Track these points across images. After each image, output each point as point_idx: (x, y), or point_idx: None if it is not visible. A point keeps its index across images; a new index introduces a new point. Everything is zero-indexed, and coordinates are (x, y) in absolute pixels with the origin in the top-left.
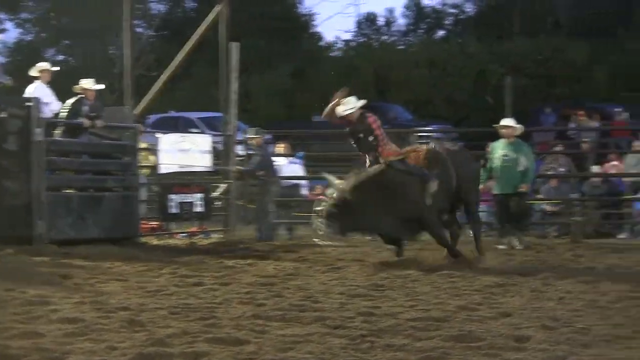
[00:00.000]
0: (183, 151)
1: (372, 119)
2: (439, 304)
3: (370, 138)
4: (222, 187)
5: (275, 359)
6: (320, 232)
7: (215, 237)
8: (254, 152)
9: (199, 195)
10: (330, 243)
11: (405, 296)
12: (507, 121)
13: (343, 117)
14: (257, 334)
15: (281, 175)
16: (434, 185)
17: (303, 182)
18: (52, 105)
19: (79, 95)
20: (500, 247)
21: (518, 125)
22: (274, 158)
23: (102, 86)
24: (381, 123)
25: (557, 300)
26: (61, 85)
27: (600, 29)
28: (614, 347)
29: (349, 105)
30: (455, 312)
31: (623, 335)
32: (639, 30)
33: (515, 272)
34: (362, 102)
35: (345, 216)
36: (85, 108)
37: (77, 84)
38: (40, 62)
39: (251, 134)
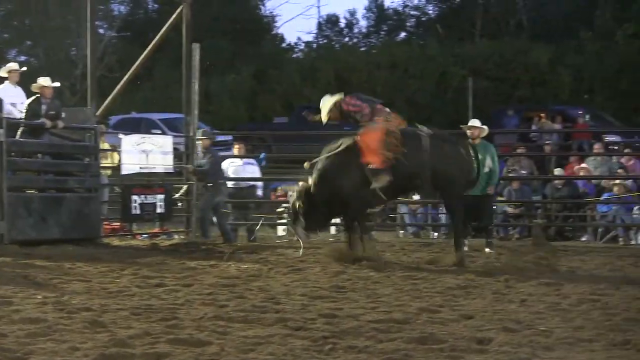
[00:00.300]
0: (145, 152)
1: (345, 106)
2: (401, 305)
3: (359, 119)
4: (184, 188)
5: (237, 359)
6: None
7: (177, 238)
8: (203, 154)
9: (160, 196)
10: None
11: (367, 298)
12: (474, 122)
13: (330, 120)
14: (219, 335)
15: (237, 176)
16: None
17: (259, 183)
18: (20, 105)
19: (36, 95)
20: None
21: (484, 127)
22: (230, 160)
23: (58, 84)
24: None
25: (519, 303)
26: (23, 86)
27: (563, 31)
28: (576, 349)
29: (324, 109)
30: (416, 314)
31: (585, 338)
32: (601, 33)
33: (477, 274)
34: (335, 98)
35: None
36: (43, 107)
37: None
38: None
39: (200, 136)
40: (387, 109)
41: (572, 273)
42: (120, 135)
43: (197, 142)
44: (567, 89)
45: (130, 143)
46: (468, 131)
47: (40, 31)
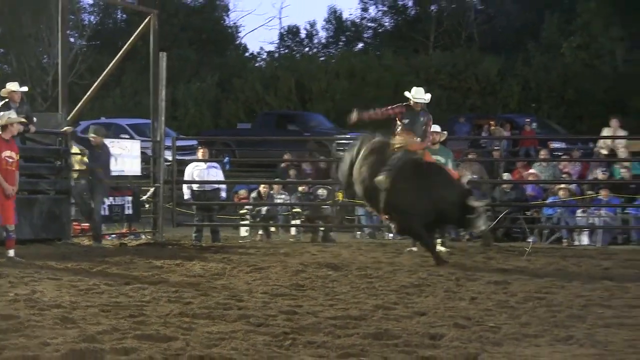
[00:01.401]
0: (114, 156)
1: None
2: (357, 303)
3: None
4: (151, 190)
5: (201, 354)
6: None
7: (144, 238)
8: (94, 150)
9: (128, 198)
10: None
11: (325, 296)
12: (434, 127)
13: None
14: (184, 331)
15: (201, 179)
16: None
17: (223, 186)
18: None
19: (5, 100)
20: (414, 249)
21: (444, 132)
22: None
23: (26, 88)
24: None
25: (469, 300)
26: None
27: (511, 43)
28: (523, 344)
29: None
30: (372, 311)
31: (531, 334)
32: (547, 45)
33: (430, 273)
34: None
35: None
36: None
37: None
38: None
39: (91, 133)
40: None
41: (519, 272)
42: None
43: (91, 139)
44: (515, 98)
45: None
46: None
47: (13, 39)
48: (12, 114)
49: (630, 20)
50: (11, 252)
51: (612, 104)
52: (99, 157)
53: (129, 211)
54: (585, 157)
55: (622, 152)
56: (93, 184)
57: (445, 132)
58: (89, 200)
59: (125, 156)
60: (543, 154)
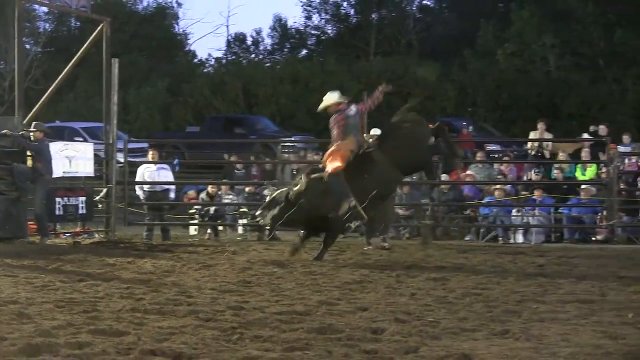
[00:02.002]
0: (68, 158)
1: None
2: (302, 299)
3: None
4: (104, 191)
5: (152, 348)
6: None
7: (97, 236)
8: (33, 145)
9: (82, 198)
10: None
11: (271, 292)
12: (375, 131)
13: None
14: (136, 326)
15: (152, 180)
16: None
17: (172, 187)
18: None
19: None
20: (368, 248)
21: None
22: (146, 165)
23: None
24: (341, 118)
25: (409, 296)
26: None
27: (449, 50)
28: (461, 338)
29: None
30: (316, 307)
31: (468, 328)
32: (483, 52)
33: (372, 270)
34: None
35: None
36: None
37: None
38: None
39: (32, 128)
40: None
41: (457, 269)
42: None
43: (30, 134)
44: (452, 102)
45: (54, 150)
46: (371, 140)
47: None
48: None
49: (561, 28)
50: None
51: (544, 108)
52: (40, 152)
53: (82, 211)
54: (520, 159)
55: (547, 153)
56: (35, 179)
57: None
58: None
59: (79, 158)
60: (479, 155)
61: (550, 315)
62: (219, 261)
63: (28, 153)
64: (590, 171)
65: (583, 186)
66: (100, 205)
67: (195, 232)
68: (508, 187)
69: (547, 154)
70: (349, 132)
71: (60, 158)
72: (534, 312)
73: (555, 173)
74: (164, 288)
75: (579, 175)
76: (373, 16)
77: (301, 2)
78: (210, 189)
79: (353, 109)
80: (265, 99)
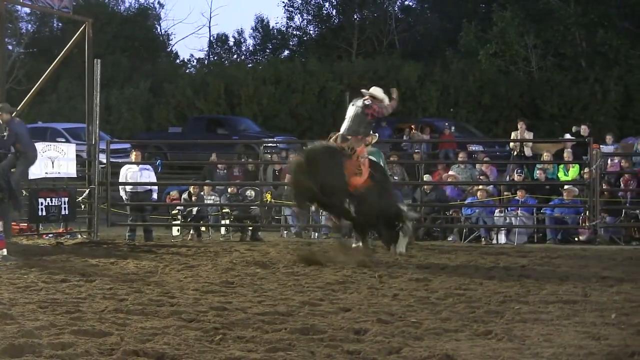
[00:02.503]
0: (50, 159)
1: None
2: (285, 299)
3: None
4: (86, 191)
5: (135, 349)
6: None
7: (80, 237)
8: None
9: (65, 199)
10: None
11: (254, 292)
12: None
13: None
14: (118, 327)
15: (134, 181)
16: None
17: (155, 187)
18: None
19: None
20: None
21: (376, 134)
22: (128, 166)
23: None
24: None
25: (391, 297)
26: None
27: (430, 50)
28: (443, 339)
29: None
30: (299, 307)
31: (451, 329)
32: (465, 52)
33: (354, 270)
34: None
35: None
36: None
37: None
38: None
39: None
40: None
41: (440, 270)
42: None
43: None
44: (434, 103)
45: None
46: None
47: None
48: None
49: (543, 28)
50: (4, 252)
51: (526, 109)
52: (13, 132)
53: (65, 212)
54: (503, 160)
55: (528, 152)
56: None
57: (376, 134)
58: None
59: (61, 159)
60: (462, 156)
61: (533, 316)
62: (201, 262)
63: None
64: (573, 172)
65: (565, 187)
66: (83, 206)
67: (178, 233)
68: (490, 187)
69: (528, 152)
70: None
71: (42, 159)
72: (516, 313)
73: (538, 174)
74: (147, 289)
75: (561, 175)
76: (355, 17)
77: (283, 2)
78: (192, 189)
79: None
80: (248, 100)
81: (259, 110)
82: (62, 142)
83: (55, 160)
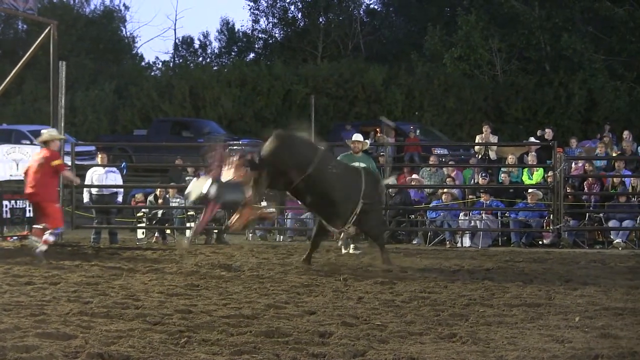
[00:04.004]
0: (15, 161)
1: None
2: (250, 302)
3: None
4: None
5: (100, 352)
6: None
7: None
8: None
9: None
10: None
11: (219, 295)
12: (357, 137)
13: None
14: (83, 329)
15: (100, 184)
16: None
17: (120, 190)
18: None
19: None
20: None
21: (367, 141)
22: (94, 168)
23: None
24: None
25: (356, 300)
26: None
27: (395, 54)
28: (408, 342)
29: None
30: (264, 310)
31: (416, 332)
32: (429, 56)
33: (319, 273)
34: None
35: None
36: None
37: None
38: None
39: None
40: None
41: (404, 273)
42: None
43: None
44: (399, 106)
45: (1, 152)
46: (351, 145)
47: None
48: (54, 131)
49: (507, 32)
50: (43, 247)
51: (491, 112)
52: None
53: (29, 214)
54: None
55: (493, 156)
56: None
57: (367, 141)
58: None
59: (27, 161)
60: (432, 160)
61: (497, 319)
62: (166, 264)
63: None
64: (537, 175)
65: (530, 190)
66: None
67: (143, 236)
68: (456, 190)
69: (492, 155)
70: None
71: (7, 161)
72: (480, 316)
73: (503, 177)
74: (112, 291)
75: (525, 179)
76: (320, 20)
77: (249, 5)
78: (158, 192)
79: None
80: (213, 102)
81: (223, 113)
82: (26, 144)
83: (19, 162)
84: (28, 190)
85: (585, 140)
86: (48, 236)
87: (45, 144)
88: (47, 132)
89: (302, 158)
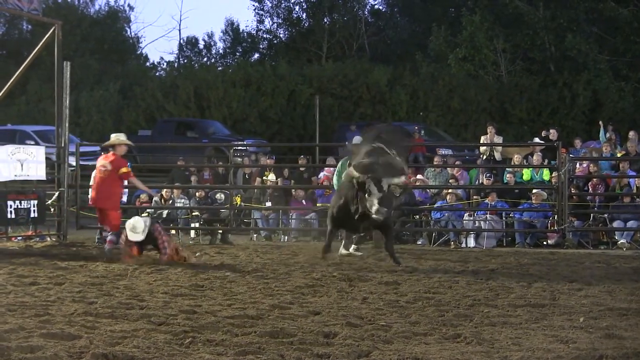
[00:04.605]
0: (20, 161)
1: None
2: (254, 303)
3: None
4: (56, 194)
5: (104, 352)
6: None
7: (49, 240)
8: None
9: (34, 201)
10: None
11: (224, 296)
12: (358, 140)
13: None
14: (88, 330)
15: None
16: None
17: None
18: None
19: None
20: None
21: None
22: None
23: None
24: None
25: (361, 300)
26: None
27: (400, 54)
28: (412, 342)
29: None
30: (269, 310)
31: (420, 332)
32: (434, 56)
33: (324, 274)
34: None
35: None
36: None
37: None
38: None
39: None
40: None
41: (409, 273)
42: None
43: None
44: (404, 106)
45: (5, 153)
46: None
47: None
48: (122, 136)
49: (512, 33)
50: (107, 247)
51: (495, 113)
52: None
53: (34, 214)
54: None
55: (498, 157)
56: None
57: None
58: None
59: (31, 161)
60: (437, 160)
61: (502, 320)
62: (171, 265)
63: None
64: (543, 176)
65: (534, 191)
66: (52, 209)
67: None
68: (460, 191)
69: (497, 156)
70: None
71: (11, 161)
72: (485, 316)
73: (508, 177)
74: (116, 292)
75: (527, 177)
76: (325, 20)
77: (253, 6)
78: (164, 192)
79: None
80: (217, 103)
81: (228, 113)
82: (31, 144)
83: (24, 162)
84: (93, 196)
85: (589, 140)
86: (111, 236)
87: (113, 148)
88: (115, 136)
89: None
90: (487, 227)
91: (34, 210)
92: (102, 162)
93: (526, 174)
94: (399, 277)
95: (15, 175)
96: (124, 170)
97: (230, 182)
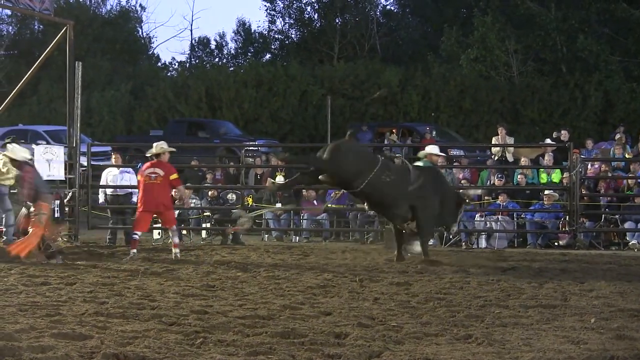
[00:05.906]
0: (48, 161)
1: None
2: (266, 303)
3: None
4: (69, 194)
5: (115, 352)
6: None
7: (60, 240)
8: None
9: (56, 201)
10: None
11: (235, 296)
12: (433, 149)
13: None
14: (99, 330)
15: (115, 184)
16: None
17: (136, 190)
18: None
19: None
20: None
21: (442, 154)
22: (109, 169)
23: None
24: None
25: (372, 301)
26: None
27: (412, 55)
28: (424, 343)
29: None
30: (280, 311)
31: (431, 333)
32: (446, 57)
33: (335, 274)
34: None
35: None
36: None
37: None
38: None
39: None
40: None
41: (420, 274)
42: (33, 146)
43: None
44: (415, 107)
45: (39, 152)
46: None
47: None
48: (164, 144)
49: (523, 33)
50: (177, 251)
51: (507, 114)
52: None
53: (57, 214)
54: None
55: (510, 157)
56: None
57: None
58: None
59: (55, 162)
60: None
61: (513, 320)
62: (182, 265)
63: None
64: (555, 177)
65: (546, 192)
66: (65, 209)
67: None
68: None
69: (509, 157)
70: None
71: (41, 161)
72: (496, 317)
73: (519, 178)
74: (128, 292)
75: (543, 178)
76: (337, 21)
77: (265, 6)
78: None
79: None
80: (229, 103)
81: (240, 114)
82: (43, 145)
83: (51, 162)
84: (151, 208)
85: (601, 141)
86: (175, 239)
87: (157, 156)
88: (158, 145)
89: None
90: (499, 227)
91: (56, 210)
92: (151, 169)
93: (543, 177)
94: (410, 278)
95: (48, 176)
96: (175, 176)
97: (242, 183)
